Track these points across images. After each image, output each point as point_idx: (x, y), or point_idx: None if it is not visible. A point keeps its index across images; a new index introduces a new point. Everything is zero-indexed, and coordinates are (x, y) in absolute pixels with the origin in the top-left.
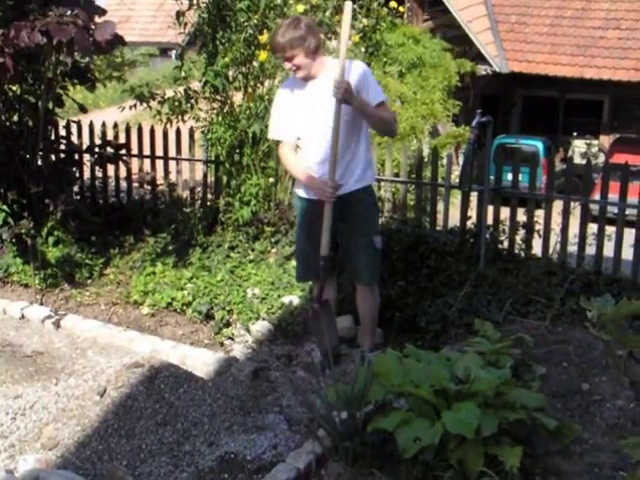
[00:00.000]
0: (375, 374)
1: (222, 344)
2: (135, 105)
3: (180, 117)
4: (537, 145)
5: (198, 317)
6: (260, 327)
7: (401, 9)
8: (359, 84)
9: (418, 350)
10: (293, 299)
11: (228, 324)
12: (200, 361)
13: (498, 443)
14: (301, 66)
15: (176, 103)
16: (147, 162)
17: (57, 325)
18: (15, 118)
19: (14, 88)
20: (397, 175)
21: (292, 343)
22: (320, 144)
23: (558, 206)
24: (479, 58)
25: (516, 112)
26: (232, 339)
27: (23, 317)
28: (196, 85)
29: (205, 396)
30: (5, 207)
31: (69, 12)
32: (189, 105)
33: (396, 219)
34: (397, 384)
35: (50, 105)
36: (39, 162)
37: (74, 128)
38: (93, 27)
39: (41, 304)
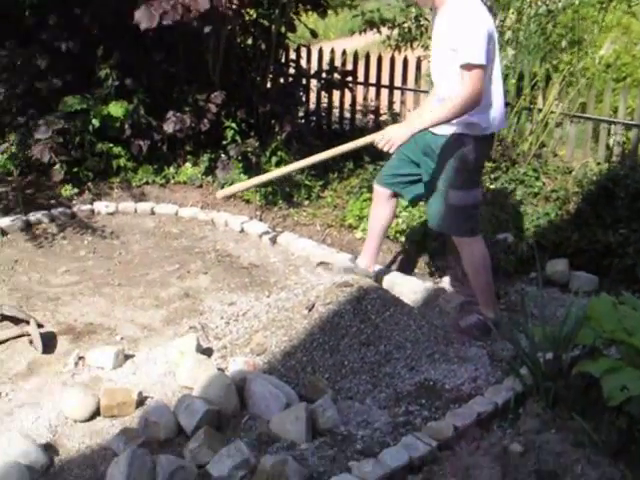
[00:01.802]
0: (586, 318)
1: (432, 274)
2: (365, 30)
3: (409, 45)
4: None
5: (411, 246)
6: None
7: None
8: (455, 39)
9: (635, 298)
10: (507, 236)
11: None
12: (408, 288)
13: None
14: None
15: (406, 30)
16: (372, 91)
17: (273, 241)
18: (249, 41)
19: (250, 12)
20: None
21: (502, 280)
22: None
23: None
24: None
25: None
26: (442, 270)
27: (243, 231)
28: (428, 13)
29: (410, 322)
30: (234, 125)
31: None
32: (419, 33)
33: (625, 165)
34: (609, 330)
35: (282, 29)
36: (268, 84)
37: (304, 53)
38: None
39: (260, 220)
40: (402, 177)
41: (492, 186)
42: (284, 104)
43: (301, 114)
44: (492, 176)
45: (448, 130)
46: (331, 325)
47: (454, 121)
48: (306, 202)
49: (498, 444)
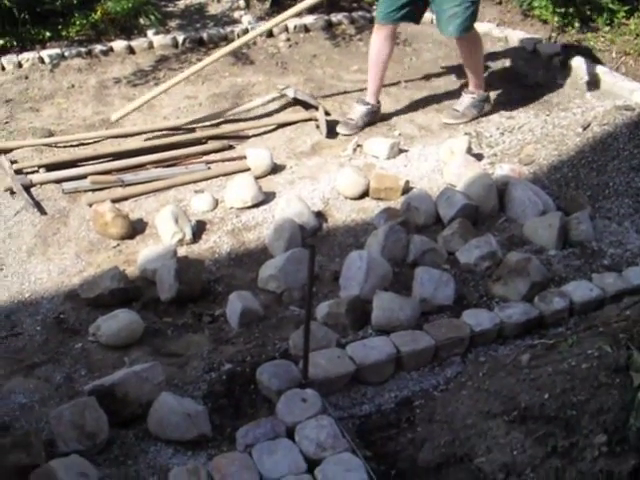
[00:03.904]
0: None
1: None
2: None
3: None
4: None
5: None
6: None
7: None
8: None
9: None
10: None
11: None
12: None
13: None
14: None
15: None
16: None
17: (564, 64)
18: None
19: None
20: None
21: None
22: None
23: None
24: None
25: None
26: None
27: (535, 51)
28: None
29: None
30: None
31: None
32: None
33: None
34: None
35: None
36: None
37: None
38: None
39: (555, 42)
40: None
41: None
42: None
43: None
44: None
45: None
46: (603, 146)
47: None
48: (606, 28)
49: None
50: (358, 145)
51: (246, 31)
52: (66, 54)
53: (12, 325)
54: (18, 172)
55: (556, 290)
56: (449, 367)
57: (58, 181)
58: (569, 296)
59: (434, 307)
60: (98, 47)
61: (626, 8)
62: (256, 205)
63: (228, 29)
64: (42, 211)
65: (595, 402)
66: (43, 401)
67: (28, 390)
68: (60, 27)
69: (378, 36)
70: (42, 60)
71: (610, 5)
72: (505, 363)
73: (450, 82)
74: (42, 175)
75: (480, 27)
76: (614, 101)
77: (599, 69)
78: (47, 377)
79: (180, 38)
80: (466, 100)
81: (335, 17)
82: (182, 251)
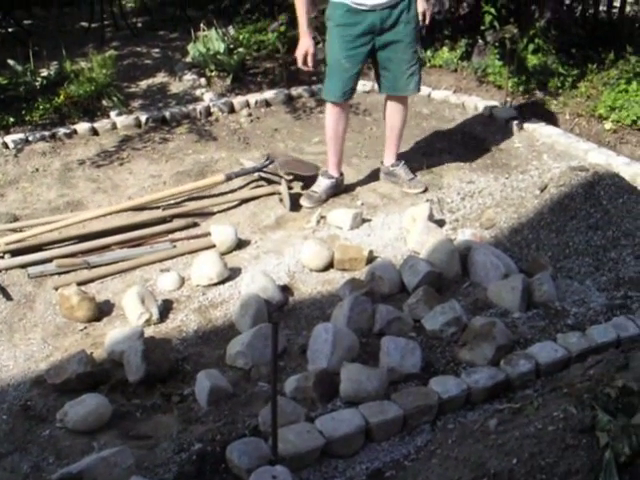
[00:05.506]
0: None
1: None
2: None
3: None
4: None
5: None
6: None
7: None
8: None
9: None
10: None
11: None
12: None
13: None
14: None
15: None
16: None
17: (520, 127)
18: None
19: None
20: None
21: None
22: None
23: None
24: None
25: None
26: None
27: (492, 115)
28: None
29: None
30: (493, 10)
31: None
32: None
33: None
34: None
35: None
36: None
37: None
38: None
39: (510, 106)
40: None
41: None
42: None
43: (567, 1)
44: None
45: None
46: (561, 206)
47: None
48: (559, 91)
49: None
50: (322, 217)
51: (208, 108)
52: (30, 138)
53: None
54: None
55: (522, 352)
56: (419, 435)
57: (23, 266)
58: (535, 358)
59: (402, 376)
60: (62, 130)
61: (576, 72)
62: (222, 282)
63: (190, 107)
64: (8, 297)
65: (563, 464)
66: None
67: None
68: (24, 112)
69: (333, 114)
70: (6, 145)
71: (560, 70)
72: (473, 429)
73: (411, 150)
74: (7, 260)
75: (437, 94)
76: (569, 162)
77: (555, 131)
78: (13, 467)
79: (143, 118)
80: (406, 169)
81: (295, 91)
82: (149, 331)
